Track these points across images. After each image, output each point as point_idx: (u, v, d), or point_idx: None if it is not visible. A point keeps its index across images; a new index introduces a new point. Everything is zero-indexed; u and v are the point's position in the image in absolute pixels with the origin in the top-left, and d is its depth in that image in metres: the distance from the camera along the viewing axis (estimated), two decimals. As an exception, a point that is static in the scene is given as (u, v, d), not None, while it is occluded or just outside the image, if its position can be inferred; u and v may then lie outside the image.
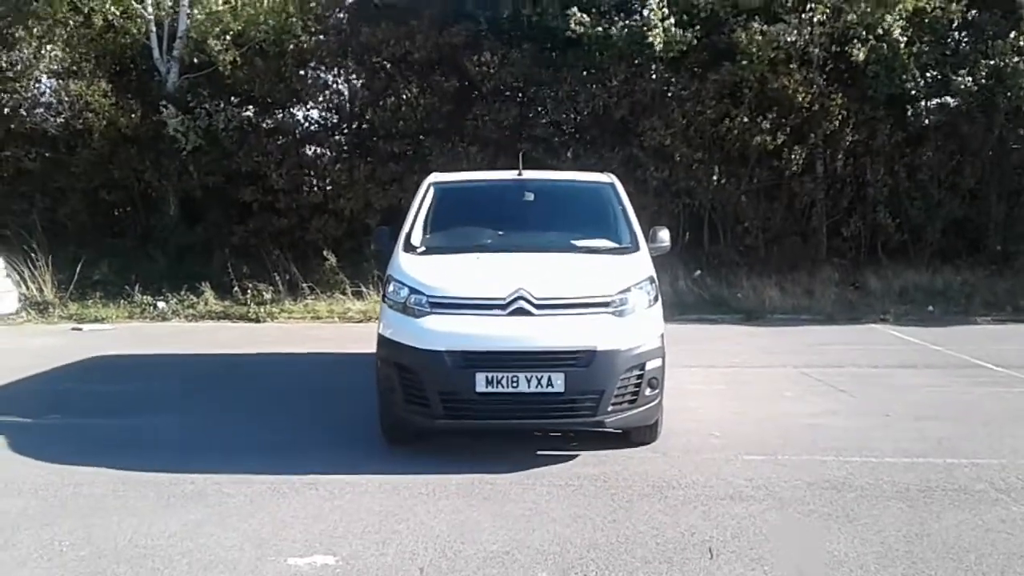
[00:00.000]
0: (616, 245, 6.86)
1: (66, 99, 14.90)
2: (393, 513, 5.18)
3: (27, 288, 13.97)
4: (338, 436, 6.78)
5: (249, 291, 13.81)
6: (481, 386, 5.75)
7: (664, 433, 6.70)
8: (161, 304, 13.93)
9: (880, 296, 14.38)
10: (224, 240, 15.11)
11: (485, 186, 7.79)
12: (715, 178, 15.56)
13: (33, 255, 13.99)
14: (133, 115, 14.77)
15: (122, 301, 14.03)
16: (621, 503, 5.36)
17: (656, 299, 6.31)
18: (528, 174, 7.70)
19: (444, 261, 6.55)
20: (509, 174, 7.74)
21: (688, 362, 9.98)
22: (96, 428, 7.16)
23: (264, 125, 15.11)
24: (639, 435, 6.40)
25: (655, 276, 6.52)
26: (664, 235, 7.17)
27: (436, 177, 7.68)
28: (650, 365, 6.01)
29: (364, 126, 15.87)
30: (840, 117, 15.05)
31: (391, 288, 6.25)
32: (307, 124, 16.27)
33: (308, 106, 15.96)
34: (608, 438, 6.40)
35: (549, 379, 5.76)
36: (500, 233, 7.08)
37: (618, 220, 7.12)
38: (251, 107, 15.45)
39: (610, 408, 5.87)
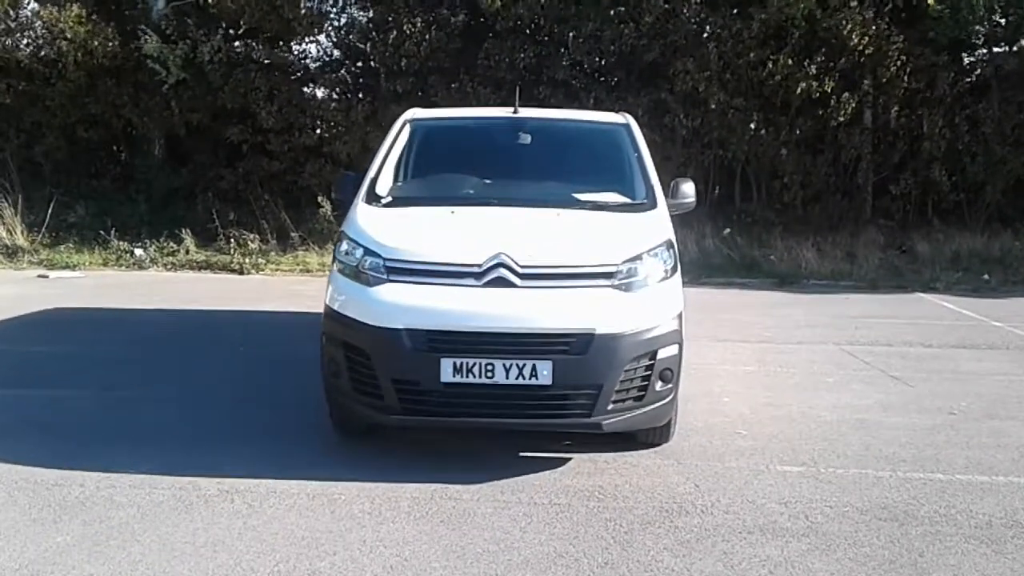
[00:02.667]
0: (628, 200, 5.56)
1: (39, 25, 13.64)
2: (318, 541, 4.00)
3: (5, 232, 12.94)
4: (283, 424, 5.60)
5: (233, 240, 12.65)
6: (447, 375, 4.53)
7: (680, 429, 5.48)
8: (139, 251, 12.84)
9: (929, 262, 13.00)
10: (211, 184, 13.91)
11: (472, 125, 6.48)
12: (752, 127, 14.10)
13: (6, 196, 12.91)
14: (111, 44, 13.48)
15: (97, 247, 12.94)
16: (617, 535, 4.14)
17: (674, 269, 5.02)
18: (525, 112, 6.39)
19: (412, 216, 5.30)
20: (502, 111, 6.44)
21: (712, 334, 8.75)
22: (1, 402, 6.05)
23: (253, 57, 13.75)
24: (648, 435, 5.18)
25: (674, 240, 5.23)
26: (688, 189, 5.85)
27: (414, 113, 6.38)
28: (663, 353, 4.74)
29: (363, 63, 14.49)
30: (897, 63, 13.49)
31: (343, 248, 5.02)
32: (302, 58, 14.90)
33: (304, 40, 14.56)
34: (609, 437, 5.12)
35: (533, 368, 4.52)
36: (487, 182, 5.80)
37: (632, 170, 5.81)
38: (241, 40, 14.05)
39: (610, 407, 4.64)
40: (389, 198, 5.50)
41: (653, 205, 5.46)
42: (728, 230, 13.82)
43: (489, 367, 4.53)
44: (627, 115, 6.40)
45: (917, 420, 6.05)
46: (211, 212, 12.99)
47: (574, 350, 4.55)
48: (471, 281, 4.67)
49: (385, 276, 4.76)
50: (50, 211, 13.21)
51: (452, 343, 4.55)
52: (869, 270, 12.69)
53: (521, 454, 5.11)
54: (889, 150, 14.38)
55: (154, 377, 6.74)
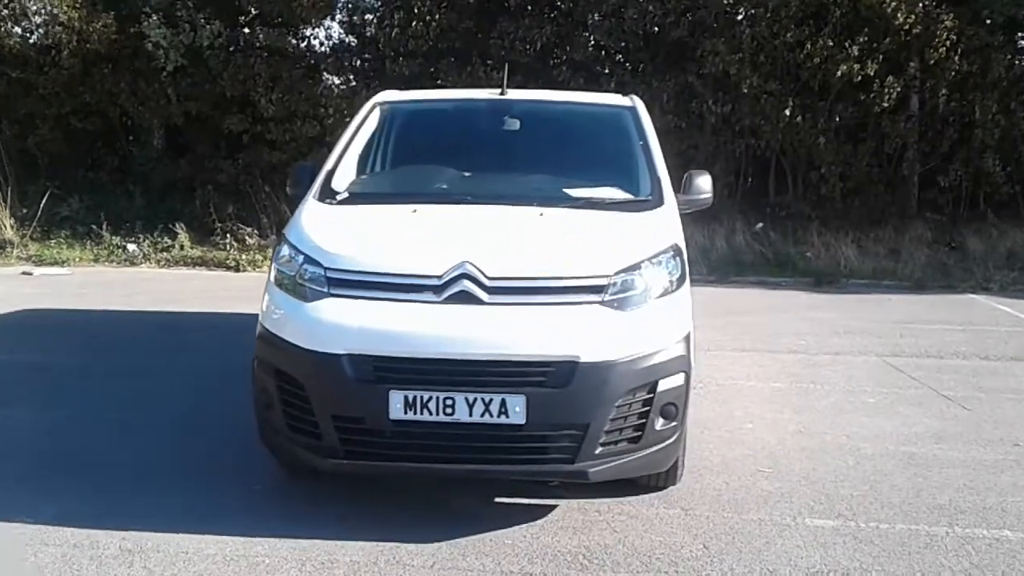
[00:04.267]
0: (630, 197, 4.66)
1: (32, 9, 12.98)
2: (220, 628, 3.20)
3: (-9, 226, 12.33)
4: (221, 458, 4.78)
5: (230, 235, 11.92)
6: (397, 410, 3.69)
7: (692, 465, 4.62)
8: (131, 247, 12.16)
9: (981, 260, 11.89)
10: (210, 176, 13.18)
11: (451, 109, 5.60)
12: (787, 114, 13.05)
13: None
14: (108, 29, 12.77)
15: (89, 242, 12.28)
16: (600, 622, 3.28)
17: (681, 280, 4.12)
18: (514, 94, 5.48)
19: (366, 216, 4.46)
20: (487, 93, 5.55)
21: (738, 343, 7.83)
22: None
23: (254, 43, 12.97)
24: (650, 477, 4.30)
25: (683, 244, 4.33)
26: (704, 183, 4.94)
27: (385, 96, 5.51)
28: (665, 384, 3.86)
29: (371, 46, 13.65)
30: (947, 43, 12.37)
31: (282, 254, 4.18)
32: (303, 42, 14.08)
33: (312, 25, 13.74)
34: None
35: (503, 404, 3.67)
36: (465, 175, 4.94)
37: (636, 160, 4.90)
38: (244, 26, 13.29)
39: (599, 451, 3.76)
40: (346, 194, 4.65)
41: (659, 202, 4.56)
42: (760, 225, 12.82)
43: (448, 402, 3.68)
44: (634, 97, 5.48)
45: (977, 454, 5.11)
46: (208, 206, 12.26)
47: (553, 382, 3.68)
48: (428, 296, 3.82)
49: (326, 289, 3.92)
50: (43, 204, 12.57)
51: (403, 372, 3.71)
52: (915, 269, 11.63)
53: (497, 500, 4.26)
54: (937, 138, 13.23)
55: (98, 393, 5.95)
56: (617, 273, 3.89)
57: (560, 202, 4.47)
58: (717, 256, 11.99)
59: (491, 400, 3.67)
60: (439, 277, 3.83)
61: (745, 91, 12.72)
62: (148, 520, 3.97)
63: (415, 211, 4.33)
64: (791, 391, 6.43)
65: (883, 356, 7.50)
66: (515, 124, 5.15)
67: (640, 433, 3.84)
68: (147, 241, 12.22)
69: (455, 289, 3.81)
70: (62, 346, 7.35)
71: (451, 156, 5.07)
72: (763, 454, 5.05)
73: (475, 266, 3.83)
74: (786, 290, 11.03)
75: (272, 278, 4.16)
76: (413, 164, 5.20)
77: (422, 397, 3.68)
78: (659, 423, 3.88)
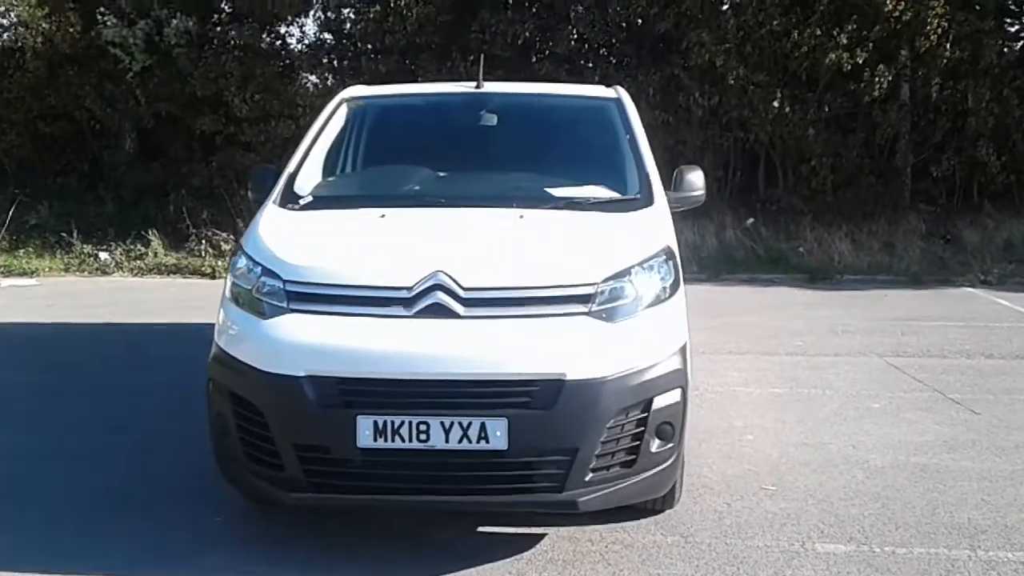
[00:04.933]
0: (617, 196, 4.30)
1: (-7, 12, 12.57)
2: None
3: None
4: (175, 484, 4.41)
5: (205, 241, 11.52)
6: (366, 438, 3.33)
7: (690, 484, 4.29)
8: (103, 255, 11.73)
9: (978, 252, 11.61)
10: (183, 180, 12.75)
11: (424, 104, 5.23)
12: (776, 105, 12.72)
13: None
14: (72, 29, 12.33)
15: (59, 251, 11.86)
16: (593, 674, 2.93)
17: (675, 286, 3.77)
18: (491, 87, 5.12)
19: (331, 222, 4.09)
20: (462, 87, 5.18)
21: (734, 345, 7.50)
22: None
23: (228, 40, 12.53)
24: (645, 501, 3.93)
25: (675, 246, 3.98)
26: (696, 179, 4.59)
27: (353, 91, 5.13)
28: (660, 402, 3.50)
29: (346, 42, 13.24)
30: (938, 30, 12.06)
31: (239, 266, 3.81)
32: (277, 40, 13.64)
33: (286, 21, 13.29)
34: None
35: (482, 428, 3.31)
36: (439, 176, 4.58)
37: (623, 156, 4.55)
38: (216, 23, 12.85)
39: (588, 477, 3.41)
40: (309, 198, 4.28)
41: (649, 201, 4.20)
42: (751, 220, 12.49)
43: (422, 427, 3.32)
44: (619, 88, 5.12)
45: (992, 465, 4.78)
46: (182, 211, 11.84)
47: (537, 403, 3.33)
48: (398, 310, 3.46)
49: (285, 304, 3.55)
50: (11, 213, 12.13)
51: (371, 395, 3.35)
52: (910, 262, 11.35)
53: (480, 530, 3.90)
54: (930, 127, 12.93)
55: (50, 415, 5.55)
56: (605, 280, 3.54)
57: (542, 203, 4.11)
58: (708, 253, 11.66)
59: (469, 424, 3.31)
60: (409, 289, 3.47)
61: (732, 83, 12.40)
62: (90, 560, 3.60)
63: (383, 216, 3.96)
64: (791, 397, 6.09)
65: (884, 356, 7.19)
66: (492, 119, 4.79)
67: (634, 457, 3.48)
68: (119, 249, 11.80)
69: (427, 302, 3.45)
70: (18, 363, 6.95)
71: (424, 155, 4.70)
72: (766, 469, 4.71)
73: (449, 276, 3.47)
74: (780, 287, 10.71)
75: (227, 292, 3.79)
76: (383, 164, 4.84)
77: (393, 422, 3.32)
78: (655, 444, 3.52)
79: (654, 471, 3.55)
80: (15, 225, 12.25)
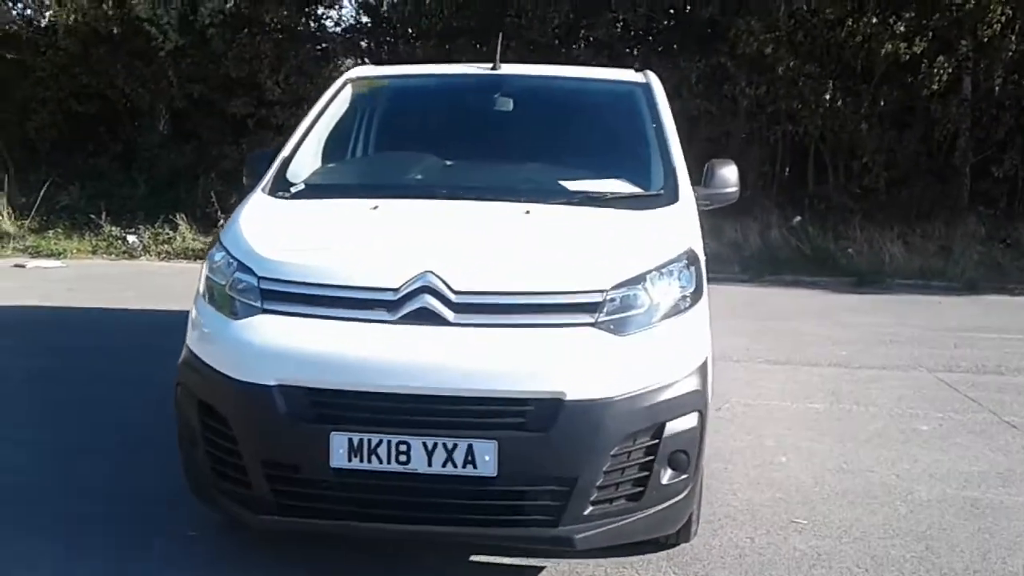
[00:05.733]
0: (638, 191, 3.87)
1: (28, -12, 12.45)
2: None
3: (-13, 216, 11.85)
4: (151, 490, 4.09)
5: (231, 225, 11.28)
6: (340, 457, 2.97)
7: (711, 511, 3.90)
8: (131, 238, 11.57)
9: (1041, 259, 10.94)
10: (215, 163, 12.54)
11: (435, 86, 4.82)
12: (827, 98, 12.10)
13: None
14: (105, 6, 12.16)
15: (88, 233, 11.72)
16: None
17: (697, 295, 3.34)
18: (509, 68, 4.71)
19: (320, 213, 3.73)
20: (478, 68, 4.78)
21: (772, 354, 7.03)
22: None
23: (263, 20, 12.26)
24: (658, 533, 3.53)
25: (700, 250, 3.56)
26: (729, 174, 4.15)
27: (359, 71, 4.76)
28: (674, 427, 3.09)
29: (384, 26, 12.90)
30: (1002, 19, 11.35)
31: (215, 260, 3.47)
32: (312, 20, 13.35)
33: (322, 2, 13.00)
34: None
35: (469, 451, 2.94)
36: (446, 164, 4.20)
37: (648, 147, 4.12)
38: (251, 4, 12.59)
39: (589, 510, 3.01)
40: (301, 186, 3.93)
41: (673, 197, 3.77)
42: (798, 218, 11.92)
43: (402, 447, 2.96)
44: (648, 73, 4.67)
45: (1053, 501, 4.29)
46: (210, 194, 11.62)
47: (532, 424, 2.94)
48: (381, 314, 3.09)
49: (258, 304, 3.20)
50: (42, 193, 12.03)
51: (347, 409, 3.00)
52: (967, 268, 10.69)
53: (472, 559, 3.52)
54: (992, 124, 12.18)
55: (37, 415, 5.26)
56: (616, 287, 3.13)
57: (553, 197, 3.70)
58: (750, 253, 11.13)
59: (455, 446, 2.94)
60: (394, 290, 3.09)
61: (781, 73, 11.80)
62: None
63: (376, 208, 3.58)
64: (831, 414, 5.61)
65: (935, 371, 6.66)
66: (508, 104, 4.39)
67: (642, 489, 3.08)
68: (148, 232, 11.64)
69: (413, 306, 3.07)
70: (25, 347, 6.73)
71: (431, 141, 4.34)
72: (797, 498, 4.26)
73: (439, 277, 3.09)
74: (825, 291, 10.16)
75: (201, 288, 3.46)
76: (386, 150, 4.48)
77: (370, 441, 2.96)
78: (666, 476, 3.11)
79: (664, 505, 3.13)
80: (46, 206, 12.14)
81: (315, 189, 3.91)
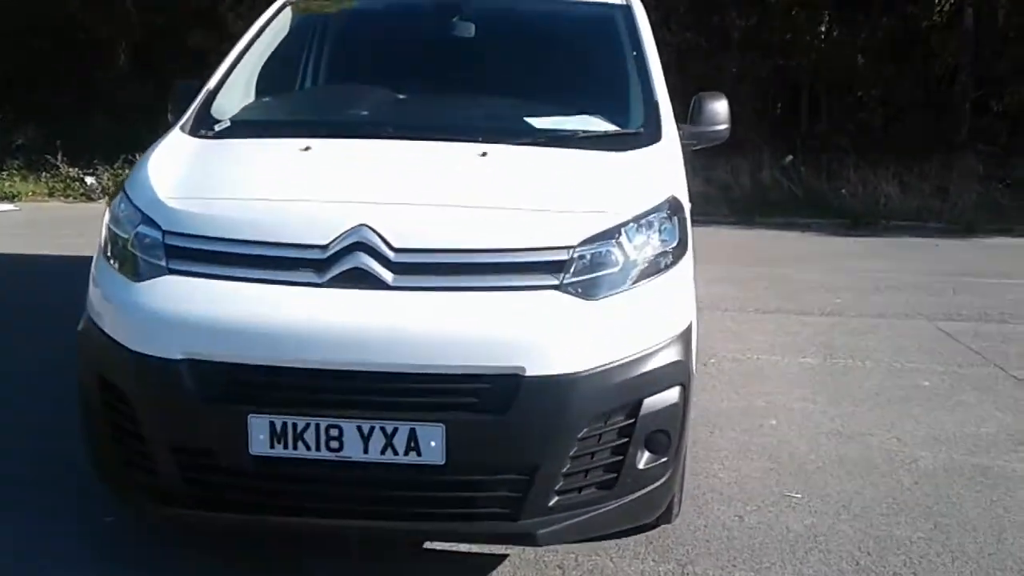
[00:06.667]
0: (615, 128, 3.37)
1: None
2: None
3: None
4: (66, 470, 3.64)
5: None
6: (261, 443, 2.52)
7: (695, 486, 3.50)
8: (89, 179, 11.03)
9: (1042, 198, 10.53)
10: (176, 99, 11.88)
11: (386, 8, 4.23)
12: (822, 29, 11.57)
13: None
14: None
15: (44, 174, 11.14)
16: None
17: (680, 250, 2.87)
18: (471, -12, 4.16)
19: (243, 155, 3.22)
20: (436, -12, 4.22)
21: (762, 302, 6.63)
22: None
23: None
24: (638, 514, 3.11)
25: (684, 196, 3.08)
26: (719, 109, 3.66)
27: None
28: (652, 404, 2.65)
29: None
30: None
31: (118, 211, 2.96)
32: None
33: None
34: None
35: (412, 437, 2.50)
36: (398, 99, 3.67)
37: (627, 78, 3.60)
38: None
39: (553, 501, 2.59)
40: (226, 123, 3.41)
41: (655, 136, 3.27)
42: (790, 158, 11.44)
43: (333, 432, 2.51)
44: (627, -8, 4.13)
45: (1070, 469, 3.90)
46: (172, 133, 11.01)
47: (485, 405, 2.50)
48: (307, 275, 2.61)
49: (163, 263, 2.71)
50: (-4, 132, 11.43)
51: (266, 388, 2.54)
52: (965, 208, 10.30)
53: (428, 547, 3.11)
54: (995, 58, 11.70)
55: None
56: (584, 243, 2.66)
57: (515, 137, 3.19)
58: (740, 194, 10.69)
59: (395, 430, 2.50)
60: (322, 247, 2.61)
61: (773, 2, 11.22)
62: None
63: (307, 149, 3.08)
64: (825, 370, 5.21)
65: (935, 320, 6.27)
66: (469, 29, 3.84)
67: (615, 475, 2.65)
68: (107, 173, 11.06)
69: (345, 266, 2.60)
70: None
71: (381, 72, 3.81)
72: (790, 468, 3.87)
73: (376, 232, 2.61)
74: (818, 233, 9.73)
75: (101, 243, 2.96)
76: (330, 82, 3.95)
77: (295, 425, 2.52)
78: (643, 459, 2.68)
79: (641, 493, 2.71)
80: (2, 145, 11.51)
81: (242, 127, 3.39)
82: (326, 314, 2.54)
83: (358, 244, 2.60)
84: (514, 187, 2.88)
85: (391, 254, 2.59)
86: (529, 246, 2.63)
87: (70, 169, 11.09)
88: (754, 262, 7.97)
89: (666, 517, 3.14)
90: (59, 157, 11.09)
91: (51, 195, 10.88)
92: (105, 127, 12.15)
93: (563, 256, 2.63)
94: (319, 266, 2.61)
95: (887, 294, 7.02)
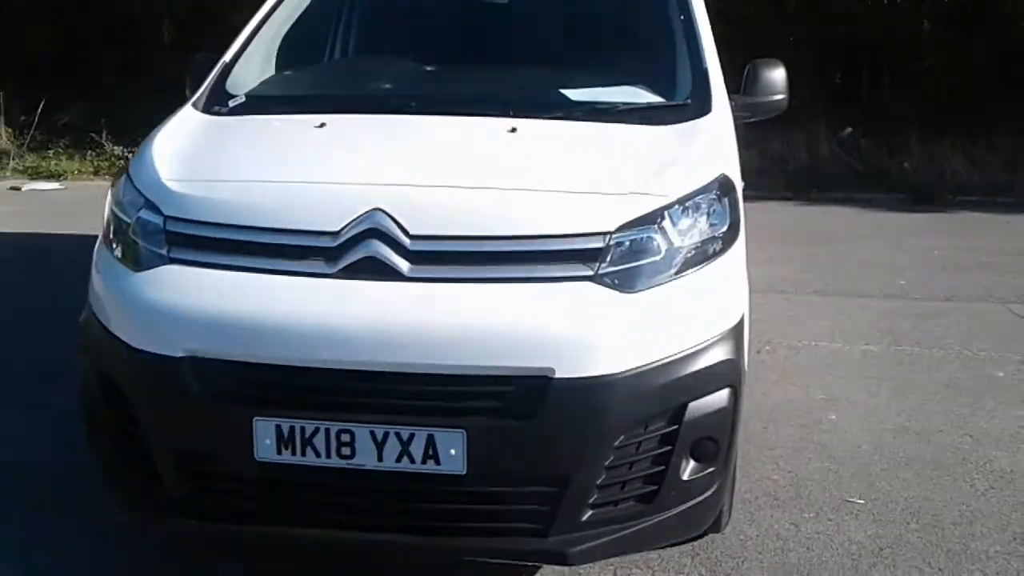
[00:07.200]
0: (659, 100, 3.07)
1: None
2: None
3: (-17, 133, 11.31)
4: (78, 467, 3.50)
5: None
6: (267, 449, 2.31)
7: (745, 492, 3.22)
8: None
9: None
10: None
11: None
12: (887, -6, 11.01)
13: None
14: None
15: (90, 152, 11.11)
16: None
17: (731, 235, 2.57)
18: (505, -51, 3.87)
19: (256, 133, 3.00)
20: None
21: (820, 283, 6.29)
22: None
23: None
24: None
25: (736, 175, 2.78)
26: (776, 78, 3.36)
27: None
28: (698, 408, 2.38)
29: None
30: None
31: (119, 195, 2.75)
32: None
33: None
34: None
35: (430, 443, 2.26)
36: (426, 71, 3.42)
37: (673, 46, 3.30)
38: None
39: (587, 515, 2.34)
40: (241, 98, 3.19)
41: (703, 108, 2.97)
42: (849, 129, 10.88)
43: (345, 437, 2.29)
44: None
45: None
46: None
47: (511, 409, 2.26)
48: (317, 265, 2.38)
49: (164, 251, 2.50)
50: (40, 109, 11.39)
51: (272, 389, 2.33)
52: (1037, 182, 9.70)
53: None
54: (1072, 23, 11.03)
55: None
56: (622, 228, 2.38)
57: (548, 110, 2.92)
58: (796, 167, 10.20)
59: (411, 437, 2.27)
60: (333, 234, 2.38)
61: (835, -34, 10.71)
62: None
63: (322, 125, 2.83)
64: (889, 358, 4.86)
65: (1007, 303, 5.84)
66: (503, -6, 3.57)
67: (656, 487, 2.39)
68: (151, 151, 10.96)
69: (358, 254, 2.36)
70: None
71: (409, 42, 3.57)
72: (851, 469, 3.56)
73: (391, 217, 2.37)
74: (879, 210, 9.22)
75: (104, 228, 2.77)
76: (355, 54, 3.70)
77: (303, 430, 2.30)
78: (688, 470, 2.42)
79: (685, 506, 2.45)
80: (46, 124, 11.51)
81: (257, 103, 3.16)
82: (335, 308, 2.31)
83: (371, 230, 2.36)
84: (545, 167, 2.61)
85: (407, 241, 2.35)
86: (560, 232, 2.36)
87: (115, 147, 11.02)
88: (811, 240, 7.57)
89: (715, 526, 2.86)
90: (104, 135, 11.03)
91: (96, 173, 10.82)
92: (149, 105, 12.03)
93: (598, 243, 2.35)
94: (329, 255, 2.37)
95: (954, 274, 6.58)
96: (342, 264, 2.36)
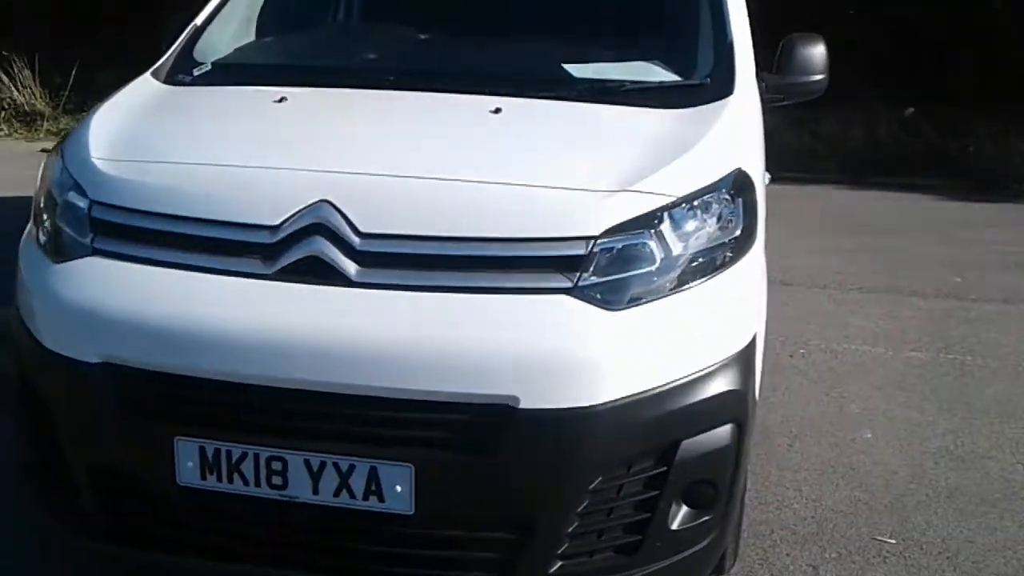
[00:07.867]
0: (674, 78, 2.67)
1: None
2: None
3: (18, 94, 11.26)
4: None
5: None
6: (190, 472, 2.01)
7: (760, 520, 2.84)
8: (166, 122, 10.77)
9: None
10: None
11: None
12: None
13: (23, 55, 11.12)
14: None
15: (121, 115, 10.99)
16: None
17: (745, 240, 2.18)
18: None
19: (209, 108, 2.69)
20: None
21: (867, 279, 5.78)
22: None
23: None
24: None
25: (756, 169, 2.37)
26: (814, 55, 2.94)
27: None
28: (693, 447, 2.02)
29: None
30: None
31: (51, 175, 2.45)
32: None
33: None
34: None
35: (372, 477, 1.94)
36: (420, 39, 3.05)
37: (695, 15, 2.89)
38: None
39: (555, 567, 2.00)
40: (207, 66, 2.86)
41: (724, 89, 2.56)
42: (910, 110, 10.26)
43: (275, 465, 1.98)
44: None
45: None
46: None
47: (466, 442, 1.92)
48: (252, 263, 2.05)
49: (87, 241, 2.19)
50: (74, 71, 11.29)
51: (196, 405, 2.02)
52: (1114, 170, 9.03)
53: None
54: None
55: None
56: (610, 232, 2.01)
57: (542, 88, 2.53)
58: (852, 149, 9.63)
59: (351, 468, 1.95)
60: (272, 228, 2.05)
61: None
62: None
63: (282, 100, 2.49)
64: (937, 367, 4.39)
65: (1075, 307, 5.33)
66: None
67: (639, 537, 2.03)
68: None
69: (298, 253, 2.03)
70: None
71: (405, 7, 3.19)
72: (885, 500, 3.15)
73: (339, 210, 2.03)
74: (939, 197, 8.63)
75: (32, 214, 2.47)
76: (345, 19, 3.34)
77: (229, 453, 1.99)
78: (679, 517, 2.06)
79: (674, 559, 2.08)
80: (80, 85, 11.40)
81: (223, 72, 2.84)
82: (269, 315, 1.99)
83: (315, 225, 2.03)
84: (525, 155, 2.24)
85: (356, 240, 2.01)
86: (533, 236, 2.00)
87: (146, 110, 10.89)
88: (861, 230, 7.06)
89: (717, 570, 2.50)
90: (136, 98, 10.91)
91: (127, 136, 10.72)
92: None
93: (579, 250, 1.99)
94: (266, 252, 2.05)
95: (1017, 274, 6.05)
96: (280, 264, 2.03)
